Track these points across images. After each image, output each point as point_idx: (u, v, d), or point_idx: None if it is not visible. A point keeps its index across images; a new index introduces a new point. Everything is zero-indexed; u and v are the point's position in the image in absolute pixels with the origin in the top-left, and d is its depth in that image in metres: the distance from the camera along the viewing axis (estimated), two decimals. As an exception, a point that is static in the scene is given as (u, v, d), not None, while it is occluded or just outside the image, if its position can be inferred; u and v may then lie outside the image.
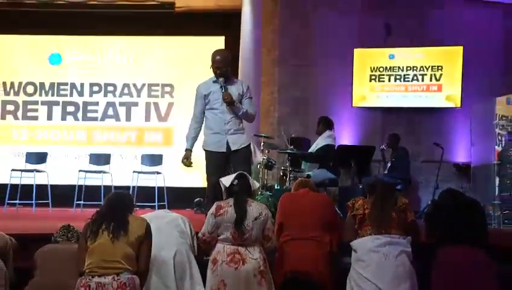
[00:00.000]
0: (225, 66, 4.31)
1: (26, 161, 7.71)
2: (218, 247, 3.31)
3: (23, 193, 7.29)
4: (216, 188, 3.91)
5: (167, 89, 8.87)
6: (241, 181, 3.43)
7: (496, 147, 6.98)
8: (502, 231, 6.00)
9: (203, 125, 4.43)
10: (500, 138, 6.98)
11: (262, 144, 6.31)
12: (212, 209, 3.37)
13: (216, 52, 4.36)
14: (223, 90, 4.25)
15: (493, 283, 3.14)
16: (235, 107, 4.29)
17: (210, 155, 4.33)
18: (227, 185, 3.45)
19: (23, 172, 7.28)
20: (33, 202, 7.12)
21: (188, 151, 4.41)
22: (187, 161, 4.38)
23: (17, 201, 7.29)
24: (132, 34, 8.91)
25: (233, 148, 4.28)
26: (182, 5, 8.65)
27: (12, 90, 8.93)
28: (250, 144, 4.49)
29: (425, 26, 8.20)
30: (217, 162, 4.27)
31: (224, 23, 8.61)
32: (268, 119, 8.28)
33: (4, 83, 8.92)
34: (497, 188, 6.65)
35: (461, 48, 8.03)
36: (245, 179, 3.46)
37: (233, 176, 3.49)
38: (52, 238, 3.60)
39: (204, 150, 4.39)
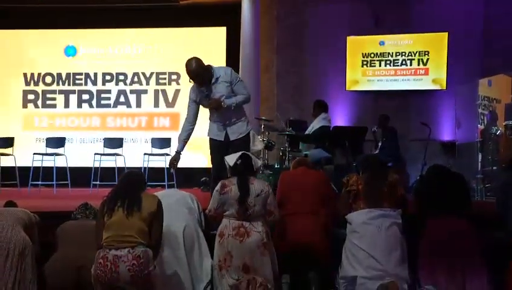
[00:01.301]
0: (198, 75, 4.02)
1: (47, 146, 7.71)
2: (224, 222, 3.33)
3: (44, 174, 7.31)
4: (219, 172, 3.92)
5: (174, 77, 8.83)
6: (244, 161, 3.43)
7: (479, 125, 6.97)
8: (484, 203, 6.01)
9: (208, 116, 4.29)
10: (482, 117, 6.96)
11: (262, 126, 6.30)
12: (218, 187, 3.37)
13: (187, 65, 4.05)
14: (208, 99, 4.08)
15: (476, 249, 3.16)
16: (225, 106, 4.07)
17: (212, 142, 4.24)
18: (231, 164, 3.45)
19: (44, 156, 7.28)
20: (54, 183, 7.13)
21: (178, 153, 4.18)
22: (175, 163, 4.14)
23: (40, 182, 7.31)
24: (141, 27, 8.85)
25: (231, 138, 4.16)
26: (185, -1, 8.59)
27: (32, 81, 8.91)
28: (249, 132, 4.32)
29: (412, 14, 8.12)
30: (218, 149, 4.17)
31: (225, 15, 8.53)
32: (267, 104, 8.25)
33: (25, 74, 8.91)
34: (479, 164, 6.65)
35: (446, 34, 7.98)
36: (248, 158, 3.45)
37: (237, 155, 3.47)
38: (71, 215, 3.63)
39: (209, 137, 4.29)
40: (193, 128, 4.26)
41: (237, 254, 3.22)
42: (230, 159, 3.48)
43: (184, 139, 4.22)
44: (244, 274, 3.20)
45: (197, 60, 4.04)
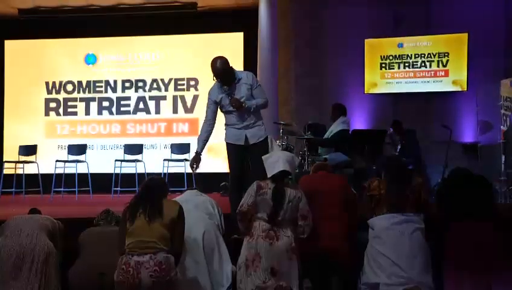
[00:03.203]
0: (224, 72, 4.05)
1: (69, 153, 7.83)
2: (255, 224, 3.34)
3: (66, 181, 7.40)
4: (238, 176, 3.91)
5: (192, 82, 8.88)
6: (283, 172, 3.39)
7: (502, 126, 6.85)
8: (509, 205, 5.89)
9: (225, 121, 4.28)
10: (505, 118, 6.84)
11: (281, 130, 6.28)
12: (254, 186, 3.37)
13: (212, 63, 4.08)
14: (230, 98, 4.08)
15: (502, 254, 3.09)
16: (246, 108, 4.10)
17: (230, 147, 4.23)
18: (271, 174, 3.40)
19: (66, 163, 7.39)
20: (76, 189, 7.22)
21: (198, 154, 4.18)
22: (196, 164, 4.13)
23: (62, 189, 7.41)
24: (159, 34, 8.92)
25: (251, 141, 4.16)
26: (203, 5, 8.62)
27: (54, 89, 9.05)
28: (267, 137, 4.33)
29: (431, 15, 8.02)
30: (237, 154, 4.17)
31: (243, 20, 8.55)
32: (286, 108, 8.23)
33: (47, 83, 9.05)
34: (503, 165, 6.53)
35: (466, 34, 7.85)
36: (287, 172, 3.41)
37: (279, 165, 3.38)
38: (94, 222, 3.66)
39: (226, 142, 4.28)
40: (212, 129, 4.27)
41: (266, 256, 3.23)
42: (271, 166, 3.41)
43: (204, 140, 4.23)
44: (272, 277, 3.20)
45: (223, 58, 4.08)
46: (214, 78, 4.12)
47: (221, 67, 4.05)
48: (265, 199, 3.31)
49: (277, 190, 3.32)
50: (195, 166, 4.15)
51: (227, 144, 4.27)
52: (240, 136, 4.18)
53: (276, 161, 3.42)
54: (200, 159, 4.17)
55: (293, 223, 3.37)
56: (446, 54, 8.01)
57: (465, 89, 7.89)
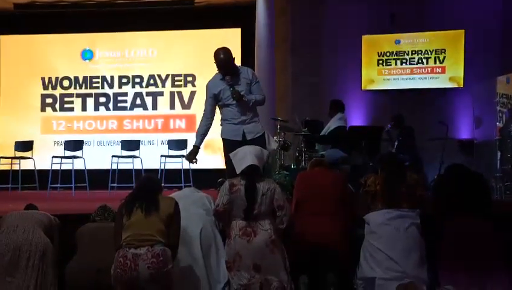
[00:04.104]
0: (229, 63, 4.09)
1: (65, 149, 7.81)
2: (232, 223, 3.33)
3: (63, 177, 7.39)
4: (235, 172, 3.91)
5: (189, 78, 8.87)
6: (252, 167, 3.38)
7: (497, 123, 6.87)
8: (504, 202, 5.91)
9: (221, 116, 4.29)
10: (500, 114, 6.86)
11: (278, 127, 6.28)
12: (226, 185, 3.38)
13: (218, 53, 4.11)
14: (231, 89, 4.08)
15: (497, 250, 3.11)
16: (245, 101, 4.12)
17: (227, 143, 4.21)
18: (239, 171, 3.41)
19: (62, 159, 7.38)
20: (72, 185, 7.21)
21: (196, 148, 4.22)
22: (193, 156, 4.18)
23: (58, 185, 7.40)
24: (156, 29, 8.90)
25: (248, 137, 4.16)
26: (200, 1, 8.60)
27: (50, 85, 9.03)
28: (264, 132, 4.33)
29: (428, 12, 8.03)
30: (234, 149, 4.18)
31: (240, 16, 8.54)
32: (283, 104, 8.22)
33: (43, 78, 9.03)
34: (498, 162, 6.55)
35: (463, 31, 7.88)
36: (256, 167, 3.39)
37: (245, 163, 3.39)
38: (90, 218, 3.65)
39: (222, 138, 4.27)
40: (211, 123, 4.28)
41: (246, 254, 3.22)
42: (238, 163, 3.43)
43: (202, 134, 4.26)
44: (256, 273, 3.20)
45: (226, 49, 4.12)
46: (218, 69, 4.12)
47: (224, 57, 4.08)
48: (238, 196, 3.30)
49: (248, 185, 3.30)
50: (194, 160, 4.18)
51: (224, 140, 4.26)
52: (237, 132, 4.18)
53: (243, 156, 3.42)
54: (197, 153, 4.21)
55: (271, 215, 3.35)
56: (443, 51, 8.02)
57: (462, 86, 7.92)
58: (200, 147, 4.26)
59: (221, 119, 4.30)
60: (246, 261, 3.21)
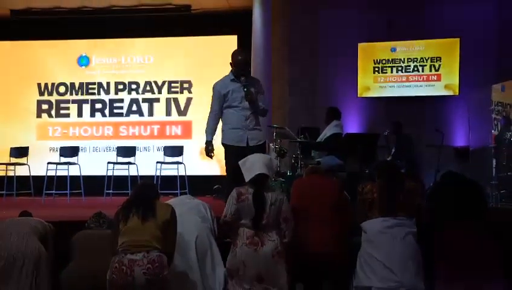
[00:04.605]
0: (248, 64, 4.22)
1: (61, 155, 7.77)
2: (239, 231, 3.30)
3: (58, 184, 7.35)
4: (237, 179, 3.89)
5: (186, 85, 8.88)
6: (262, 176, 3.36)
7: (493, 131, 6.90)
8: (499, 209, 5.92)
9: (222, 122, 4.29)
10: (496, 122, 6.89)
11: (274, 134, 6.29)
12: (234, 194, 3.33)
13: (238, 53, 4.17)
14: (245, 90, 4.08)
15: (493, 258, 3.11)
16: (256, 104, 4.15)
17: (230, 149, 4.20)
18: (248, 179, 3.37)
19: (58, 165, 7.34)
20: (67, 192, 7.18)
21: (210, 143, 4.24)
22: (211, 151, 4.23)
23: (54, 191, 7.36)
24: (152, 36, 8.91)
25: (251, 143, 4.15)
26: (197, 7, 8.64)
27: (46, 91, 9.01)
28: (265, 141, 4.35)
29: (424, 21, 8.08)
30: (237, 157, 4.02)
31: (237, 22, 8.57)
32: (280, 111, 8.23)
33: (39, 84, 9.01)
34: (494, 169, 6.57)
35: (458, 39, 7.94)
36: (265, 176, 3.37)
37: (255, 170, 3.35)
38: (85, 225, 3.63)
39: (224, 144, 4.25)
40: (218, 122, 4.31)
41: (251, 263, 3.19)
42: (248, 171, 3.38)
43: (213, 129, 4.29)
44: (257, 284, 3.17)
45: (246, 50, 4.37)
46: (234, 68, 4.17)
47: (244, 57, 4.19)
48: (246, 205, 3.27)
49: (257, 194, 3.28)
50: (212, 153, 4.23)
51: (227, 146, 4.23)
52: (241, 138, 4.17)
53: (252, 164, 3.38)
54: (213, 147, 4.26)
55: (278, 226, 3.34)
56: (438, 59, 8.08)
57: (457, 93, 7.96)
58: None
59: (223, 125, 4.29)
60: (250, 270, 3.18)
